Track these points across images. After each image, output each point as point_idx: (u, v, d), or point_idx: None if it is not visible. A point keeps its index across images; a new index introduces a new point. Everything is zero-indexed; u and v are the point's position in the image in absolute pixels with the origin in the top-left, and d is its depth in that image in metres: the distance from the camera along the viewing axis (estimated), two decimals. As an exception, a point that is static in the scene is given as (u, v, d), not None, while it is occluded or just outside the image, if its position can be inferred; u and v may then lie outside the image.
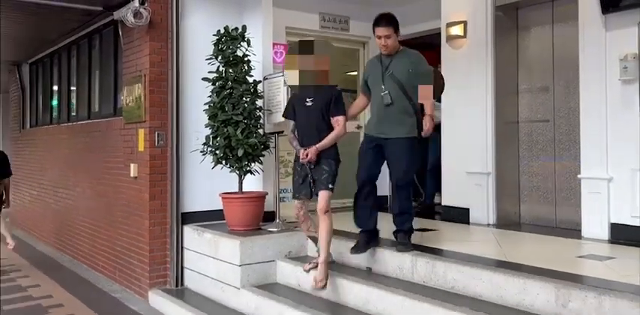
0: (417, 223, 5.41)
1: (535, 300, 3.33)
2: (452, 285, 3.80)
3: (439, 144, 5.93)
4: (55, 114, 8.89)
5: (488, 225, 5.31)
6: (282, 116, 4.59)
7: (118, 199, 6.20)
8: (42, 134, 9.25)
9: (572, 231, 4.77)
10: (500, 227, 5.24)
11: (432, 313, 3.52)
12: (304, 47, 4.17)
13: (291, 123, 4.45)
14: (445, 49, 5.66)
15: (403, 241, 4.27)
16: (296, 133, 4.39)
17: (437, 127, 5.47)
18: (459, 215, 5.50)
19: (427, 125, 4.15)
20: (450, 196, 5.69)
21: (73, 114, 8.01)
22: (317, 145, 4.18)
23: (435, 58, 5.86)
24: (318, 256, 4.28)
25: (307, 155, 4.15)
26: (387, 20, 4.22)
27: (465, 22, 5.42)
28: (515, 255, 4.12)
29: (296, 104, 4.39)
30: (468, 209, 5.46)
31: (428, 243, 4.51)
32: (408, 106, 4.17)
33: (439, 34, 5.72)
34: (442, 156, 5.75)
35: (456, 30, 5.46)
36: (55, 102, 8.95)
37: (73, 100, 8.08)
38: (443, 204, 5.77)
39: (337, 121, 4.23)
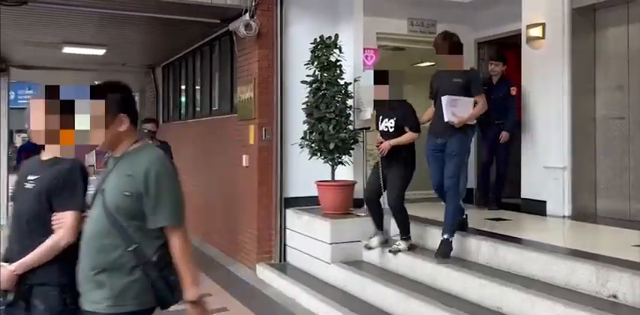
0: (495, 213, 5.83)
1: (580, 280, 3.74)
2: (510, 266, 4.26)
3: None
4: (183, 111, 10.16)
5: (564, 217, 5.56)
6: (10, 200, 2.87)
7: (233, 186, 7.17)
8: (173, 129, 10.55)
9: (644, 223, 4.96)
10: (575, 219, 5.48)
11: (488, 289, 4.04)
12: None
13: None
14: (525, 50, 5.94)
15: None
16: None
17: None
18: (537, 207, 5.75)
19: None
20: (528, 189, 5.97)
21: (198, 109, 9.17)
22: (14, 266, 2.53)
23: (516, 58, 6.19)
24: None
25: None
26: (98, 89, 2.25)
27: (543, 24, 5.67)
28: (575, 242, 4.50)
29: (17, 185, 2.72)
30: (545, 202, 5.72)
31: (498, 231, 4.92)
32: (121, 255, 2.24)
33: (520, 35, 6.01)
34: (522, 151, 6.04)
35: (536, 31, 5.72)
36: (183, 99, 10.23)
37: (198, 97, 9.24)
38: (522, 197, 6.09)
39: (59, 220, 2.54)
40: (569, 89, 5.55)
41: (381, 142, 4.89)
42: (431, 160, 4.81)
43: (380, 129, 4.99)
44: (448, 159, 4.64)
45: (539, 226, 5.37)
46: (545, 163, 5.73)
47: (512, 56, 6.36)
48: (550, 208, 5.69)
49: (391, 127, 4.87)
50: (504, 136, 6.00)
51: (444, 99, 4.55)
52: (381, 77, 4.80)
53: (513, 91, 6.04)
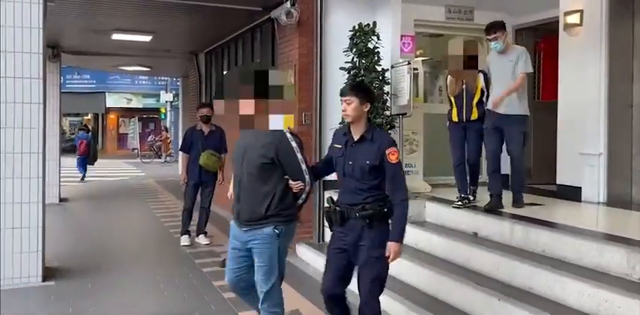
0: (528, 198, 5.91)
1: (610, 262, 3.85)
2: (542, 248, 4.39)
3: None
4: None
5: (599, 203, 5.62)
6: None
7: (274, 168, 7.41)
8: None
9: (678, 210, 5.00)
10: (609, 205, 5.54)
11: (519, 270, 4.19)
12: None
13: None
14: (563, 37, 5.95)
15: None
16: None
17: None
18: (572, 193, 5.84)
19: None
20: (563, 175, 6.05)
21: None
22: None
23: (554, 45, 6.21)
24: None
25: None
26: None
27: (581, 11, 5.68)
28: (608, 227, 4.60)
29: None
30: (579, 188, 5.80)
31: (531, 215, 5.02)
32: None
33: (557, 21, 6.02)
34: (558, 137, 6.10)
35: (573, 18, 5.74)
36: (224, 85, 10.48)
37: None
38: (557, 183, 6.15)
39: None
40: (606, 76, 5.57)
41: None
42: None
43: None
44: None
45: (573, 211, 5.45)
46: (581, 149, 5.78)
47: (549, 43, 6.37)
48: (585, 194, 5.76)
49: None
50: None
51: None
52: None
53: (393, 155, 3.32)
